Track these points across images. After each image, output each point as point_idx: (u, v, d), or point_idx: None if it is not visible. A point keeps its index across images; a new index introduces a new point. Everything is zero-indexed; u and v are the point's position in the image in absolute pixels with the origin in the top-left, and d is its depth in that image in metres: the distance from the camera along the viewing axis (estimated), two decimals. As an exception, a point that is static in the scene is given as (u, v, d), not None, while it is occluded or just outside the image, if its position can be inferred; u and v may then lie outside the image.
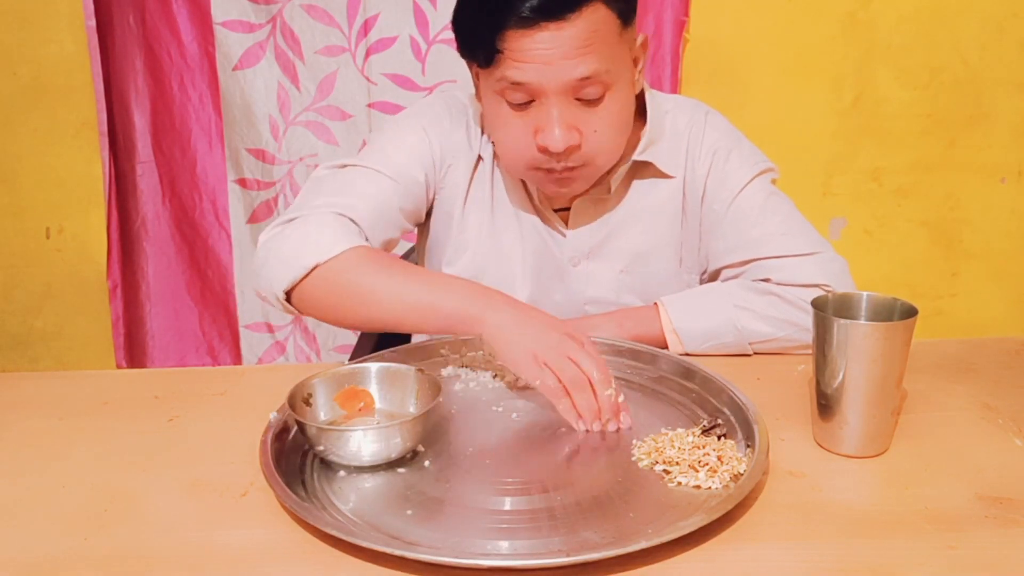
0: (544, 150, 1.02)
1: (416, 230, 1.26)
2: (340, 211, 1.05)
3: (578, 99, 1.01)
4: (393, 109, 1.96)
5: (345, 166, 1.13)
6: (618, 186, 1.15)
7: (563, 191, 1.10)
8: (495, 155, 1.16)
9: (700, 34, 1.97)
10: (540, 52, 0.97)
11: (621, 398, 0.89)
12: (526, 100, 1.02)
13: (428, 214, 1.22)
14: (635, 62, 1.08)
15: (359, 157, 1.15)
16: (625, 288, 1.18)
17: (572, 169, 1.05)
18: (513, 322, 0.93)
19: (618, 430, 0.89)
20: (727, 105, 1.97)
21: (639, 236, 1.17)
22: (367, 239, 1.06)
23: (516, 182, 1.17)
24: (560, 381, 0.88)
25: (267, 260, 1.03)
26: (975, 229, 2.15)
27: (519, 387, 0.98)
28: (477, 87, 1.11)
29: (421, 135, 1.16)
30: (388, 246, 1.14)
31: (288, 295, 1.02)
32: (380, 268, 1.00)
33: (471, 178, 1.18)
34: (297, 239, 1.02)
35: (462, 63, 1.08)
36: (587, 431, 0.88)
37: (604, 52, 0.99)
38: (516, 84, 1.00)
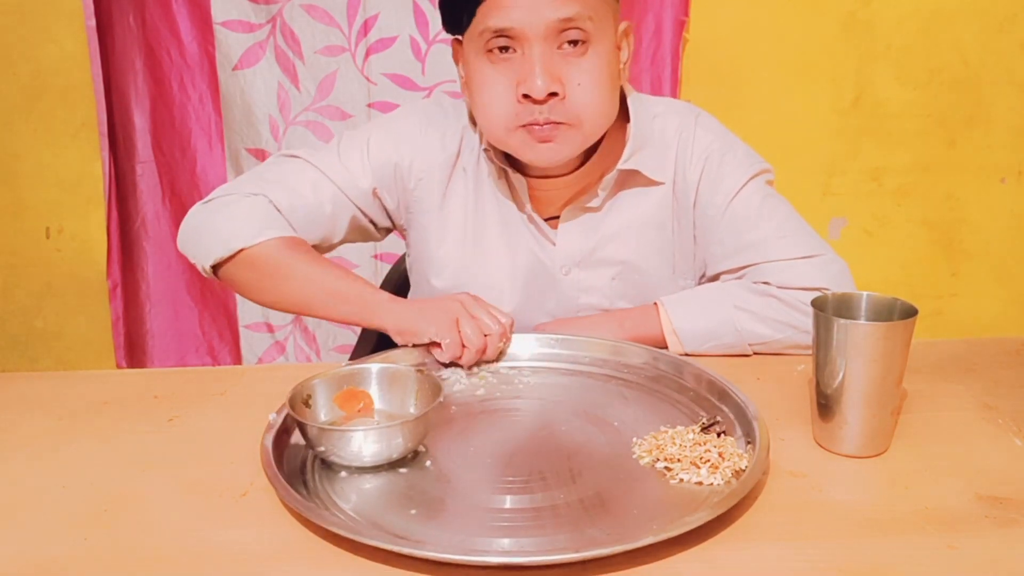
0: (527, 98, 1.02)
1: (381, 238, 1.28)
2: (269, 199, 1.13)
3: (560, 49, 1.01)
4: (393, 109, 1.96)
5: (295, 156, 1.17)
6: (607, 195, 1.13)
7: (547, 151, 1.05)
8: (485, 150, 1.14)
9: (700, 34, 1.97)
10: None
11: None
12: (508, 47, 1.02)
13: (405, 229, 1.22)
14: (618, 48, 1.07)
15: (314, 151, 1.18)
16: (618, 295, 1.17)
17: (556, 124, 1.03)
18: (412, 304, 1.05)
19: None
20: (727, 105, 1.97)
21: (629, 245, 1.15)
22: (294, 231, 1.13)
23: (504, 191, 1.16)
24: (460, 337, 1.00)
25: (200, 231, 1.13)
26: (975, 229, 2.15)
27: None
28: (463, 70, 1.11)
29: (382, 146, 1.16)
30: (320, 247, 1.18)
31: (215, 269, 1.12)
32: (298, 256, 1.10)
33: (447, 187, 1.17)
34: (226, 219, 1.11)
35: (462, 63, 1.08)
36: None
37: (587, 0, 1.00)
38: (499, 32, 1.00)
